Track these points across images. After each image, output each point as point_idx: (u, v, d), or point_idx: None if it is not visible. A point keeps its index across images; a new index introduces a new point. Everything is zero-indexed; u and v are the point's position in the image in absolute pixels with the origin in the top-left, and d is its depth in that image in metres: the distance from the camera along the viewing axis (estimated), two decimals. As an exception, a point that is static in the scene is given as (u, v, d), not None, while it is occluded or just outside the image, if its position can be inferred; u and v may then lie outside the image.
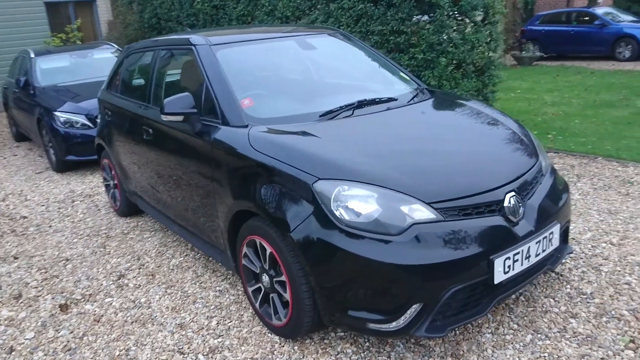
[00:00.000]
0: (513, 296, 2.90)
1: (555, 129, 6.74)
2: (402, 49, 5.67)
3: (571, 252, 2.91)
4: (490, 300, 2.38)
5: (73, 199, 5.46)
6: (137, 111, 3.84)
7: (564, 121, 7.16)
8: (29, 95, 6.98)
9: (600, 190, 4.52)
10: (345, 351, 2.57)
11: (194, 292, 3.28)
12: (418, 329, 2.24)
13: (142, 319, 3.03)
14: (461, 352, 2.51)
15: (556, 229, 2.58)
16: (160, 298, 3.24)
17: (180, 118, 3.00)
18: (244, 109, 2.89)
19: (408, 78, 3.63)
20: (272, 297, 2.66)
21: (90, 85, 6.66)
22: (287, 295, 2.50)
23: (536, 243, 2.46)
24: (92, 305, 3.24)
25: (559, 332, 2.59)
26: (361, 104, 3.00)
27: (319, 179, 2.33)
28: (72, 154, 6.22)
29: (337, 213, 2.26)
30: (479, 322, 2.71)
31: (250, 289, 2.84)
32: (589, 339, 2.52)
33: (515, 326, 2.67)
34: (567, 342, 2.51)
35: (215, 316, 2.98)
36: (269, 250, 2.54)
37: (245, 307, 3.04)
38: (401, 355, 2.52)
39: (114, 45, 8.29)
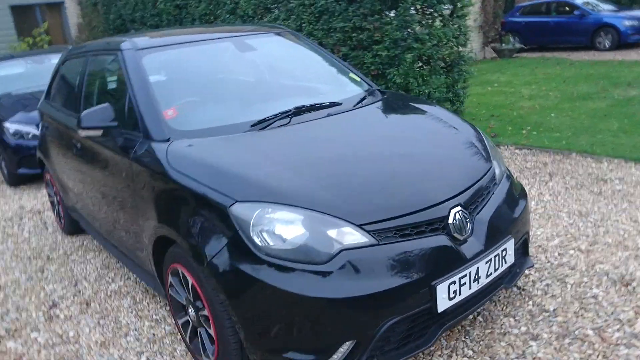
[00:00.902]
0: (470, 316, 2.65)
1: (530, 124, 6.51)
2: (366, 46, 5.40)
3: (531, 266, 2.66)
4: (437, 330, 2.12)
5: (21, 215, 5.14)
6: (67, 123, 3.54)
7: (540, 115, 6.94)
8: (-21, 105, 6.64)
9: (572, 189, 4.29)
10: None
11: (128, 322, 3.00)
12: (353, 369, 1.98)
13: (67, 356, 2.75)
14: (408, 386, 2.25)
15: (510, 245, 2.33)
16: (90, 331, 2.96)
17: (99, 132, 2.72)
18: (166, 121, 2.61)
19: (358, 79, 3.37)
20: (200, 331, 2.39)
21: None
22: (212, 331, 2.23)
23: (486, 263, 2.21)
24: (15, 342, 2.94)
25: (516, 358, 2.34)
26: (299, 111, 2.73)
27: (237, 201, 2.06)
28: (24, 167, 5.90)
29: (256, 240, 1.99)
30: (431, 349, 2.45)
31: (179, 322, 2.57)
32: (549, 365, 2.28)
33: (471, 352, 2.42)
34: (525, 370, 2.27)
35: (146, 351, 2.70)
36: (190, 281, 2.27)
37: (179, 340, 2.76)
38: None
39: None
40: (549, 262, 3.12)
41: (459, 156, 2.51)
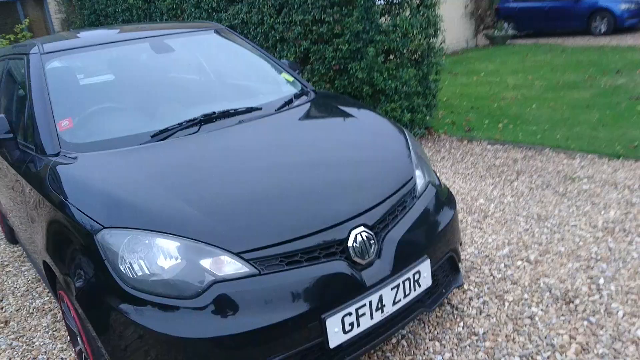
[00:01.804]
0: (393, 339, 2.44)
1: (509, 117, 6.24)
2: (327, 39, 5.15)
3: (460, 285, 2.44)
4: (332, 366, 1.91)
5: (-28, 222, 4.98)
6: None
7: (520, 107, 6.65)
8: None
9: (537, 189, 4.04)
10: None
11: (41, 344, 2.82)
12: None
13: (-33, 383, 2.58)
14: None
15: (425, 267, 2.11)
16: (0, 355, 2.79)
17: (-6, 144, 2.52)
18: (58, 133, 2.40)
19: (291, 79, 3.14)
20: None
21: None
22: (93, 366, 2.04)
23: (392, 289, 1.99)
24: None
25: (434, 390, 2.13)
26: (210, 119, 2.51)
27: (104, 227, 1.85)
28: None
29: (123, 271, 1.78)
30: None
31: (76, 349, 2.38)
32: (467, 399, 2.07)
33: (386, 382, 2.21)
34: (441, 404, 2.06)
35: (48, 378, 2.53)
36: (71, 310, 2.08)
37: (85, 365, 2.58)
38: None
39: None
40: (491, 275, 2.89)
41: (374, 168, 2.28)
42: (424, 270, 2.11)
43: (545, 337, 2.32)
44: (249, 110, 2.65)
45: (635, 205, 3.54)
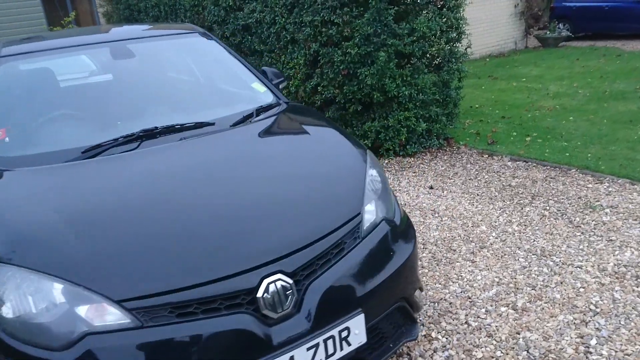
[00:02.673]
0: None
1: (540, 129, 5.72)
2: (336, 42, 4.85)
3: (413, 339, 2.11)
4: None
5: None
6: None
7: (556, 118, 6.10)
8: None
9: (549, 218, 3.60)
10: None
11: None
12: None
13: None
14: None
15: (357, 322, 1.81)
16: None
17: None
18: (-7, 144, 2.26)
19: (263, 89, 2.88)
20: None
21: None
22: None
23: (310, 349, 1.70)
24: None
25: None
26: (151, 134, 2.30)
27: (-20, 260, 1.67)
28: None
29: (-6, 311, 1.60)
30: None
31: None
32: None
33: None
34: None
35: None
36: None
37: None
38: None
39: None
40: (467, 323, 2.53)
41: (314, 201, 1.99)
42: (356, 326, 1.81)
43: (507, 411, 1.98)
44: (200, 125, 2.41)
45: (658, 246, 3.07)
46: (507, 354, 2.28)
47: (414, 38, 4.74)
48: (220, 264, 1.68)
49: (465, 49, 5.42)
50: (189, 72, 2.94)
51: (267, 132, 2.45)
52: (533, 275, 2.90)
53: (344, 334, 1.78)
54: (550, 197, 3.95)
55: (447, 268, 3.08)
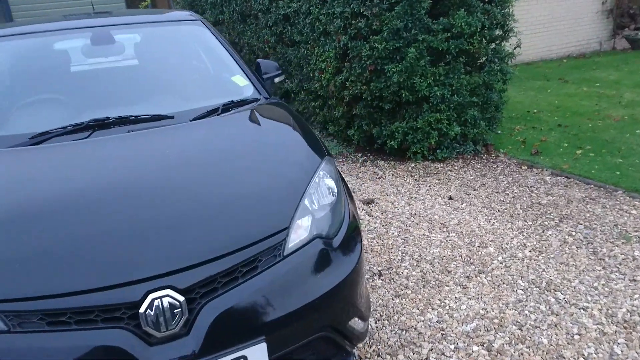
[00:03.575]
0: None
1: (597, 142, 5.11)
2: (365, 35, 4.58)
3: (342, 374, 1.88)
4: None
5: None
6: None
7: (620, 130, 5.43)
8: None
9: (570, 246, 3.17)
10: None
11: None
12: None
13: None
14: None
15: (257, 351, 1.61)
16: None
17: None
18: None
19: (243, 84, 2.72)
20: None
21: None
22: None
23: (192, 377, 1.54)
24: None
25: None
26: (103, 124, 2.23)
27: None
28: None
29: None
30: None
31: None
32: None
33: None
34: None
35: None
36: None
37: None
38: None
39: None
40: (426, 359, 2.25)
41: (233, 212, 1.80)
42: (255, 356, 1.62)
43: None
44: (157, 118, 2.31)
45: (690, 293, 2.58)
46: (458, 404, 1.99)
47: (450, 34, 4.36)
48: (104, 273, 1.55)
49: (515, 48, 4.93)
50: (169, 63, 2.84)
51: (222, 129, 2.29)
52: (526, 311, 2.54)
53: (238, 363, 1.60)
54: (581, 221, 3.48)
55: (432, 291, 2.78)
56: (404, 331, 2.45)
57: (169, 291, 1.55)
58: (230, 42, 7.62)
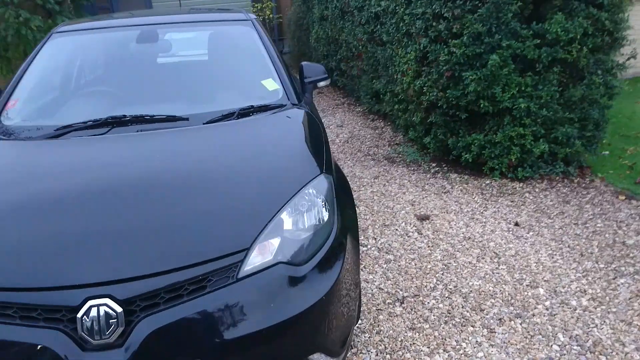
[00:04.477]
0: None
1: None
2: (444, 39, 4.25)
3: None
4: None
5: None
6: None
7: None
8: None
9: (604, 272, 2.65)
10: None
11: None
12: None
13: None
14: None
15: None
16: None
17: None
18: (6, 111, 2.53)
19: (273, 88, 2.66)
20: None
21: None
22: None
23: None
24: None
25: None
26: (122, 121, 2.32)
27: None
28: None
29: None
30: None
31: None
32: None
33: None
34: None
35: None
36: None
37: None
38: None
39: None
40: (412, 408, 2.01)
41: (197, 226, 1.74)
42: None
43: None
44: (172, 119, 2.34)
45: None
46: None
47: (540, 41, 3.88)
48: (51, 273, 1.60)
49: (628, 59, 4.26)
50: (204, 64, 2.87)
51: (227, 135, 2.25)
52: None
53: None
54: None
55: (453, 330, 2.50)
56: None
57: (107, 300, 1.56)
58: (331, 38, 7.59)
